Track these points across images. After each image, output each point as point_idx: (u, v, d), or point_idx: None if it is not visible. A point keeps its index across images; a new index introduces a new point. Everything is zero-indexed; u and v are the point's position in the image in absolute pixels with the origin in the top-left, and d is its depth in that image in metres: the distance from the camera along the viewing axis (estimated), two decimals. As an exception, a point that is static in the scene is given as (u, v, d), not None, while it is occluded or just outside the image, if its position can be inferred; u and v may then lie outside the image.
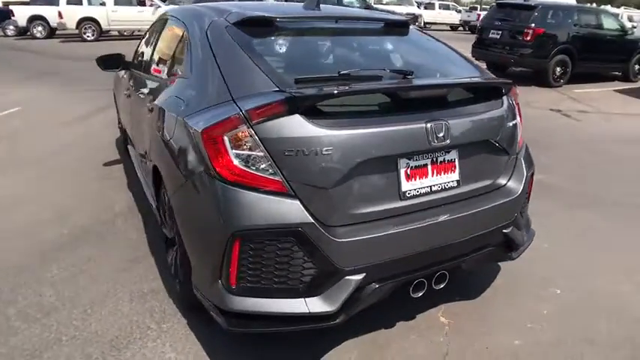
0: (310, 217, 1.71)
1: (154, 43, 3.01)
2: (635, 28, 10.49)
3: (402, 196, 1.92)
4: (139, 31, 17.65)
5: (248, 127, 1.69)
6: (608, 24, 9.86)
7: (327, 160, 1.71)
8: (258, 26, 2.16)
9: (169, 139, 2.05)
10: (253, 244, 1.71)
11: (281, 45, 2.14)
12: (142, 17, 16.12)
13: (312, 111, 1.72)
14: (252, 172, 1.69)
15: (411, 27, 2.66)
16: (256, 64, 1.91)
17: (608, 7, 17.77)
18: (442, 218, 2.00)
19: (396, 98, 1.94)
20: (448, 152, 2.01)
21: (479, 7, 33.34)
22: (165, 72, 2.55)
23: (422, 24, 20.81)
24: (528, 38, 8.94)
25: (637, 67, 10.29)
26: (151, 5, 16.51)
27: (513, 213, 2.26)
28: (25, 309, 2.36)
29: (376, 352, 2.15)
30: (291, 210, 1.70)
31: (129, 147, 4.10)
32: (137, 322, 2.29)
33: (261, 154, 1.69)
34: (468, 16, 28.09)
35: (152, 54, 2.96)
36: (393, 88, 1.97)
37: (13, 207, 3.52)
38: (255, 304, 1.77)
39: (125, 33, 17.68)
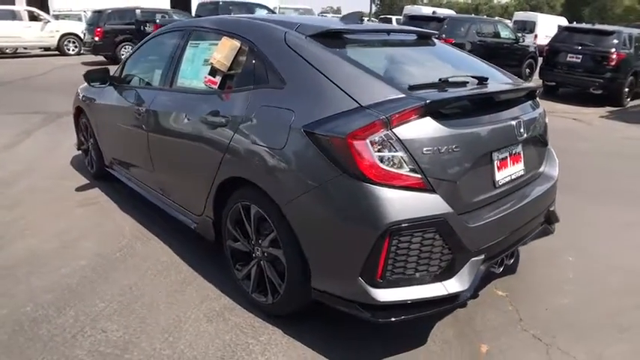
0: (450, 208, 1.85)
1: (176, 58, 2.83)
2: (524, 37, 12.11)
3: (496, 184, 2.14)
4: (24, 49, 15.90)
5: (388, 130, 1.78)
6: (504, 33, 11.30)
7: (456, 156, 1.90)
8: (334, 38, 2.26)
9: (278, 148, 2.00)
10: (402, 237, 1.79)
11: (362, 55, 2.22)
12: (27, 34, 14.46)
13: (438, 113, 1.88)
14: (395, 171, 1.78)
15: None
16: (364, 72, 2.01)
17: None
18: (522, 201, 2.27)
19: (493, 100, 2.19)
20: (518, 145, 2.27)
21: (366, 19, 35.73)
22: (218, 84, 2.44)
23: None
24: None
25: (527, 70, 11.89)
26: (40, 20, 14.94)
27: (555, 193, 2.63)
28: (95, 348, 2.08)
29: (465, 326, 2.32)
30: (434, 203, 1.82)
31: (116, 168, 3.76)
32: (232, 340, 2.15)
33: (402, 154, 1.79)
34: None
35: (182, 68, 2.78)
36: (495, 92, 2.24)
37: (9, 242, 3.05)
38: (399, 293, 1.84)
39: (7, 50, 15.68)
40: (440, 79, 2.11)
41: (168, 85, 2.85)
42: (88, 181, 4.20)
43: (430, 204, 1.82)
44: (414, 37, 2.74)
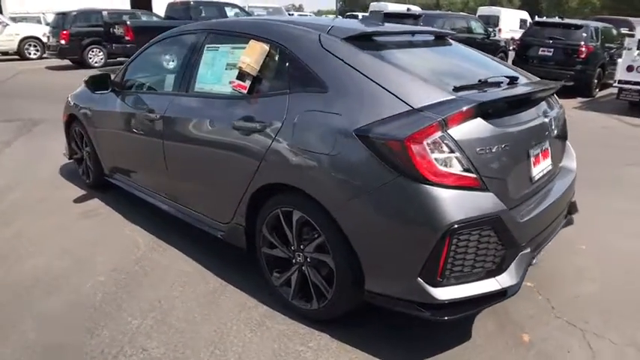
0: (504, 205, 1.87)
1: (192, 61, 2.73)
2: (495, 31, 12.43)
3: (532, 179, 2.18)
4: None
5: (444, 132, 1.79)
6: (475, 28, 11.57)
7: (505, 155, 1.93)
8: (368, 41, 2.26)
9: (327, 152, 1.96)
10: (461, 237, 1.80)
11: (398, 57, 2.22)
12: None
13: (487, 114, 1.91)
14: (451, 171, 1.79)
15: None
16: (408, 74, 2.02)
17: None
18: (554, 194, 2.34)
19: (529, 98, 2.23)
20: (547, 141, 2.33)
21: (332, 16, 35.84)
22: (247, 89, 2.37)
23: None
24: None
25: (499, 64, 12.22)
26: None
27: (575, 185, 2.69)
28: (141, 366, 2.00)
29: (504, 319, 2.36)
30: (489, 201, 1.85)
31: (119, 177, 3.62)
32: (281, 348, 2.11)
33: (458, 154, 1.81)
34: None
35: (201, 72, 2.67)
36: (533, 91, 2.27)
37: (16, 261, 2.88)
38: (457, 291, 1.85)
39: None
40: (479, 80, 2.13)
41: (185, 90, 2.75)
42: (85, 191, 4.02)
43: (485, 202, 1.84)
44: (431, 37, 2.76)
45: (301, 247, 2.21)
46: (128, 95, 3.28)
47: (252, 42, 2.37)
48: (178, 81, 2.83)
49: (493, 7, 27.10)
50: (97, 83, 3.34)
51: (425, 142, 1.77)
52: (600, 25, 10.07)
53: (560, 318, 2.39)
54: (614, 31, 10.61)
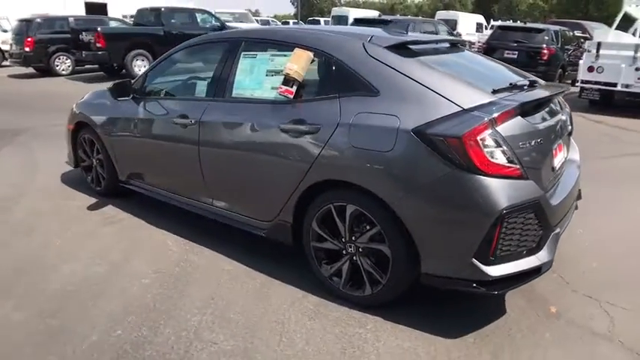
0: (542, 191, 2.14)
1: (228, 68, 2.84)
2: (459, 34, 13.02)
3: (554, 169, 2.46)
4: None
5: (494, 129, 2.04)
6: (442, 32, 12.09)
7: (539, 147, 2.22)
8: (405, 49, 2.49)
9: (386, 150, 2.15)
10: (510, 220, 2.05)
11: (436, 63, 2.45)
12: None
13: (524, 112, 2.19)
14: (500, 163, 2.05)
15: None
16: (452, 78, 2.27)
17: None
18: (571, 182, 2.64)
19: (551, 99, 2.53)
20: (561, 136, 2.62)
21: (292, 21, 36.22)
22: (294, 94, 2.52)
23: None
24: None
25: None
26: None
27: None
28: (217, 359, 2.12)
29: (530, 294, 2.61)
30: (530, 188, 2.12)
31: (137, 183, 3.66)
32: (342, 332, 2.28)
33: (505, 148, 2.06)
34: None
35: (239, 79, 2.80)
36: (556, 93, 2.56)
37: (52, 269, 2.88)
38: (506, 268, 2.11)
39: None
40: (510, 84, 2.42)
41: (221, 96, 2.86)
42: (96, 199, 4.01)
43: (528, 189, 2.10)
44: (447, 45, 3.01)
45: (352, 238, 2.39)
46: (151, 101, 3.35)
47: (297, 50, 2.53)
48: (213, 87, 2.94)
49: (451, 12, 28.18)
50: (120, 90, 3.39)
51: (478, 138, 2.00)
52: (559, 28, 10.81)
53: (576, 291, 2.69)
54: (570, 34, 11.41)
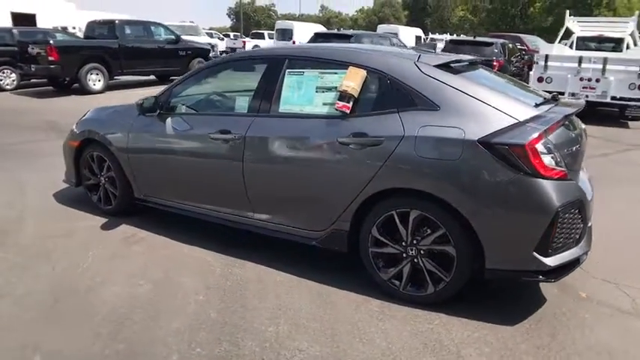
0: (582, 189, 2.45)
1: (273, 85, 2.94)
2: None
3: (582, 169, 2.80)
4: None
5: (547, 138, 2.34)
6: (397, 45, 12.68)
7: (575, 153, 2.56)
8: (449, 67, 2.74)
9: (453, 159, 2.37)
10: (563, 215, 2.33)
11: (478, 80, 2.72)
12: None
13: (564, 124, 2.52)
14: (554, 167, 2.33)
15: None
16: (500, 94, 2.56)
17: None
18: (586, 180, 2.96)
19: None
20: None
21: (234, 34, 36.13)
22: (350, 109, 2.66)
23: (218, 53, 21.39)
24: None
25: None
26: None
27: None
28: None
29: (560, 284, 2.89)
30: (574, 188, 2.44)
31: (156, 199, 3.60)
32: (415, 329, 2.44)
33: (556, 154, 2.36)
34: (234, 43, 30.16)
35: (286, 95, 2.89)
36: (579, 107, 2.81)
37: (92, 292, 2.78)
38: (560, 258, 2.40)
39: None
40: (545, 98, 2.73)
41: (266, 111, 2.93)
42: (106, 219, 3.88)
43: (573, 189, 2.41)
44: (467, 63, 3.28)
45: (414, 241, 2.57)
46: (182, 117, 3.34)
47: (351, 68, 2.69)
48: (256, 103, 3.00)
49: (392, 25, 29.47)
50: (150, 107, 3.36)
51: (536, 146, 2.28)
52: (503, 41, 11.74)
53: (596, 278, 3.03)
54: (511, 46, 12.42)
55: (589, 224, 2.64)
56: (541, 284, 2.90)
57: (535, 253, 2.32)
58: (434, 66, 2.66)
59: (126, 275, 3.01)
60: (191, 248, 3.39)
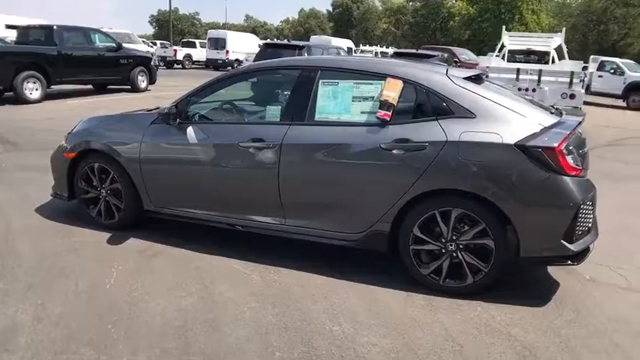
0: (593, 185, 2.87)
1: (306, 94, 3.07)
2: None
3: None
4: None
5: (569, 140, 2.71)
6: (343, 54, 13.15)
7: (585, 153, 2.95)
8: (472, 79, 3.05)
9: (492, 161, 2.68)
10: (582, 207, 2.71)
11: (500, 91, 3.07)
12: None
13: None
14: (575, 166, 2.71)
15: None
16: (522, 103, 2.93)
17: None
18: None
19: None
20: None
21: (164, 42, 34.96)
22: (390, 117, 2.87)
23: (157, 62, 20.40)
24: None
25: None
26: None
27: None
28: (387, 355, 2.34)
29: (566, 268, 3.30)
30: (589, 183, 2.84)
31: (171, 210, 3.54)
32: (461, 317, 2.68)
33: (575, 154, 2.74)
34: (164, 52, 29.18)
35: (322, 104, 3.03)
36: (585, 115, 3.29)
37: (135, 307, 2.70)
38: (581, 245, 2.77)
39: None
40: (556, 107, 3.14)
41: (302, 120, 3.04)
42: (110, 233, 3.72)
43: (587, 185, 2.82)
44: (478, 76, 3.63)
45: (454, 237, 2.82)
46: (203, 126, 3.34)
47: (390, 79, 2.90)
48: (290, 111, 3.12)
49: (323, 37, 30.19)
50: (170, 116, 3.32)
51: (563, 148, 2.64)
52: (440, 54, 12.64)
53: (592, 262, 3.46)
54: (447, 57, 13.38)
55: (595, 215, 3.06)
56: (550, 268, 3.28)
57: (563, 241, 2.68)
58: (464, 79, 2.96)
59: (163, 289, 2.95)
60: (215, 258, 3.38)
